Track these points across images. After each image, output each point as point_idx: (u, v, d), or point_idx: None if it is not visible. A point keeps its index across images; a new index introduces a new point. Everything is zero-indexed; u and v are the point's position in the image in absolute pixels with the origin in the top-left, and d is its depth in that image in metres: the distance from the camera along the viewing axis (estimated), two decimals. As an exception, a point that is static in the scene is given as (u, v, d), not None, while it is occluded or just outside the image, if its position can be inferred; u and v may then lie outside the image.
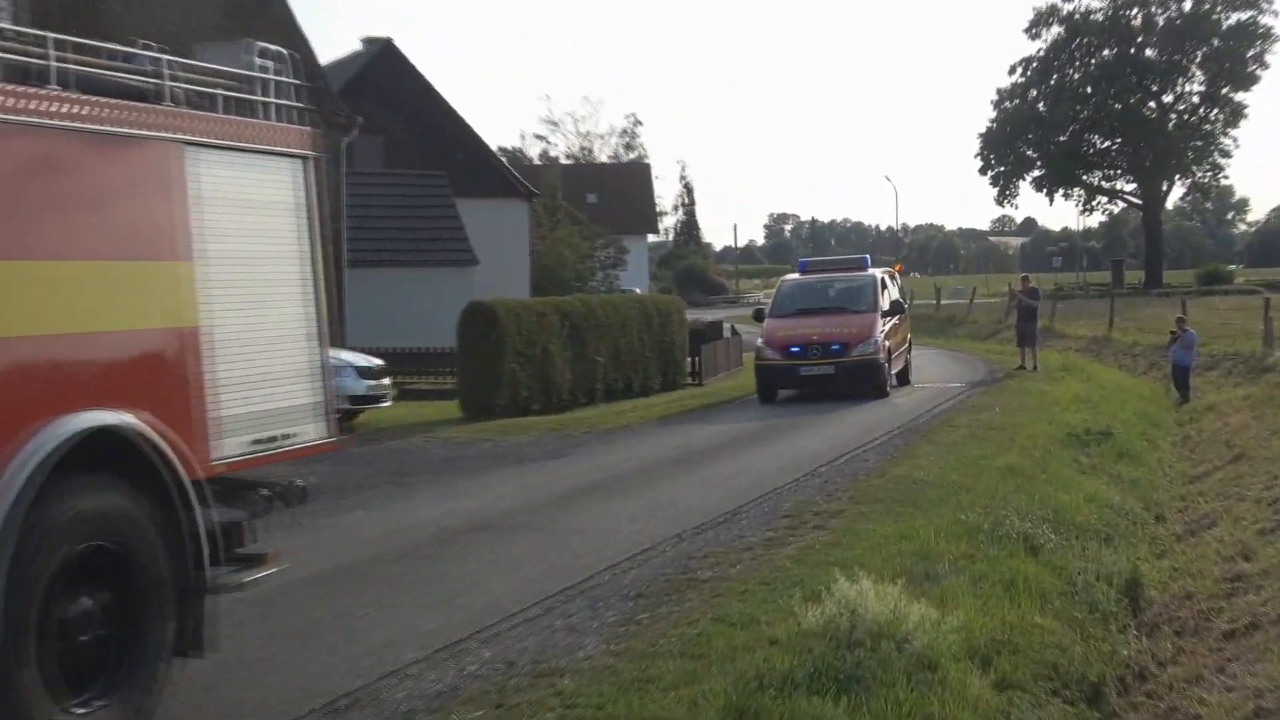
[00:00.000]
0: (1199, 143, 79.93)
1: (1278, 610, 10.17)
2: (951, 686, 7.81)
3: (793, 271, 31.49)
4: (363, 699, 7.58)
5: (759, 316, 28.39)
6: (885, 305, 26.21)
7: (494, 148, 54.08)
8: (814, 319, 25.49)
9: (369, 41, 49.87)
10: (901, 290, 30.47)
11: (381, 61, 48.47)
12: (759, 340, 26.17)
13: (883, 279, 27.54)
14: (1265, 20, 76.49)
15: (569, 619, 9.21)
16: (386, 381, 22.96)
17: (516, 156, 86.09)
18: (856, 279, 27.32)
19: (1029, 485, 14.73)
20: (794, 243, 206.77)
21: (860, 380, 24.52)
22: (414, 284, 36.50)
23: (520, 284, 43.81)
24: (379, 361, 22.95)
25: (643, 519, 13.00)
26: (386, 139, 44.76)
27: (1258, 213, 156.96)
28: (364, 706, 7.47)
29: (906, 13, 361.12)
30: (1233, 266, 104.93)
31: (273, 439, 8.02)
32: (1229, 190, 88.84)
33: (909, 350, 29.37)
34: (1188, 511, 15.73)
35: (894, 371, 26.26)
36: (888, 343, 25.27)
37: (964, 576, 10.28)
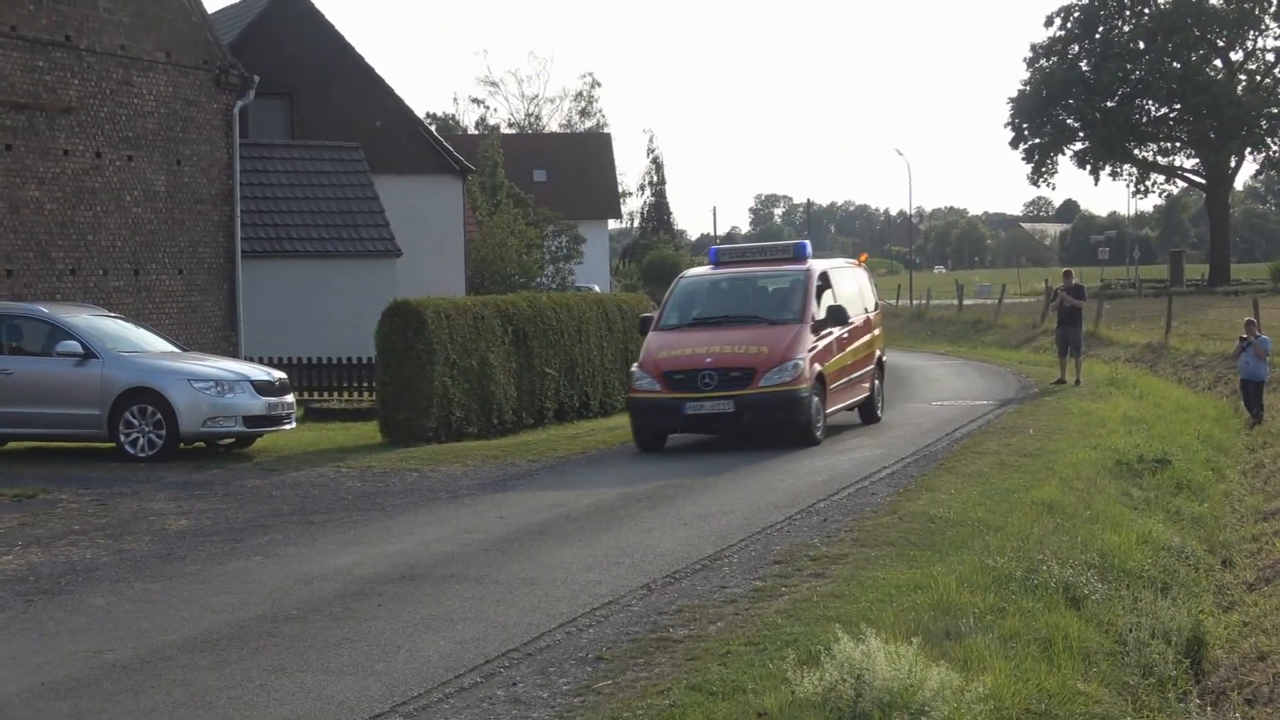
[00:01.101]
0: (1275, 109, 79.74)
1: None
2: (977, 768, 7.85)
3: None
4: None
5: (644, 328, 23.71)
6: (820, 313, 22.00)
7: (421, 114, 54.15)
8: (714, 333, 21.70)
9: (268, -19, 49.77)
10: (871, 289, 27.22)
11: (282, 8, 48.44)
12: (634, 365, 22.48)
13: (821, 277, 23.16)
14: None
15: (513, 688, 9.20)
16: (290, 399, 22.84)
17: (448, 125, 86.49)
18: (782, 275, 23.18)
19: (1070, 524, 14.78)
20: (785, 229, 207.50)
21: (771, 422, 20.80)
22: (323, 279, 36.57)
23: (454, 279, 43.92)
24: (280, 375, 22.93)
25: (602, 567, 13.01)
26: (289, 102, 44.86)
27: None
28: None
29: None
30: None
31: None
32: None
33: (878, 372, 25.71)
34: (1261, 555, 15.82)
35: (839, 406, 22.99)
36: (819, 367, 21.37)
37: (992, 634, 10.32)
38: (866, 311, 25.21)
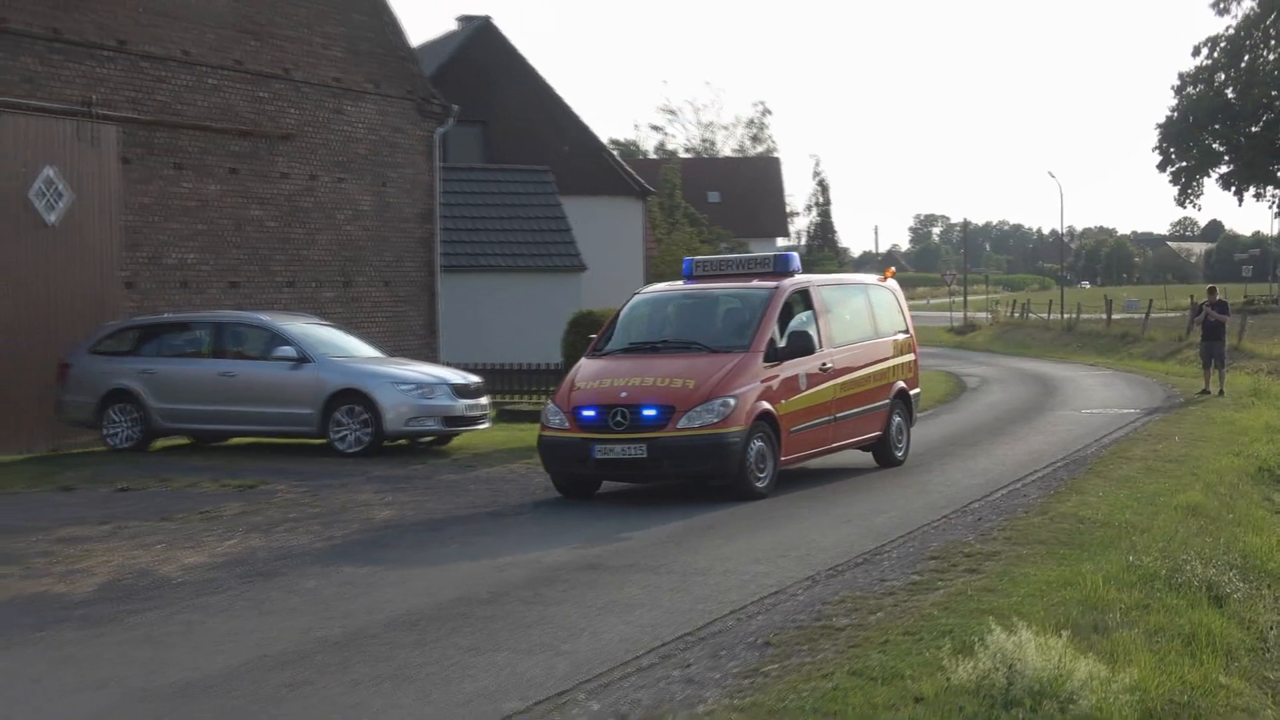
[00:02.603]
0: None
1: None
2: (1124, 754, 7.75)
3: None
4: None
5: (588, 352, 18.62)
6: (781, 340, 17.06)
7: (605, 140, 54.46)
8: (646, 361, 16.93)
9: (465, 20, 50.51)
10: (900, 310, 21.20)
11: (479, 43, 49.06)
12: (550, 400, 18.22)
13: (795, 296, 18.03)
14: None
15: (687, 669, 9.22)
16: (484, 401, 23.01)
17: (630, 150, 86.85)
18: (743, 294, 18.00)
19: (1214, 526, 14.53)
20: (943, 248, 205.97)
21: (693, 472, 16.27)
22: (514, 291, 36.98)
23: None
24: (476, 379, 23.08)
25: (769, 559, 12.98)
26: (485, 129, 45.34)
27: None
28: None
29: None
30: None
31: None
32: None
33: (902, 408, 20.15)
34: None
35: (816, 450, 18.18)
36: (766, 405, 16.42)
37: (1138, 629, 10.18)
38: (883, 337, 19.97)
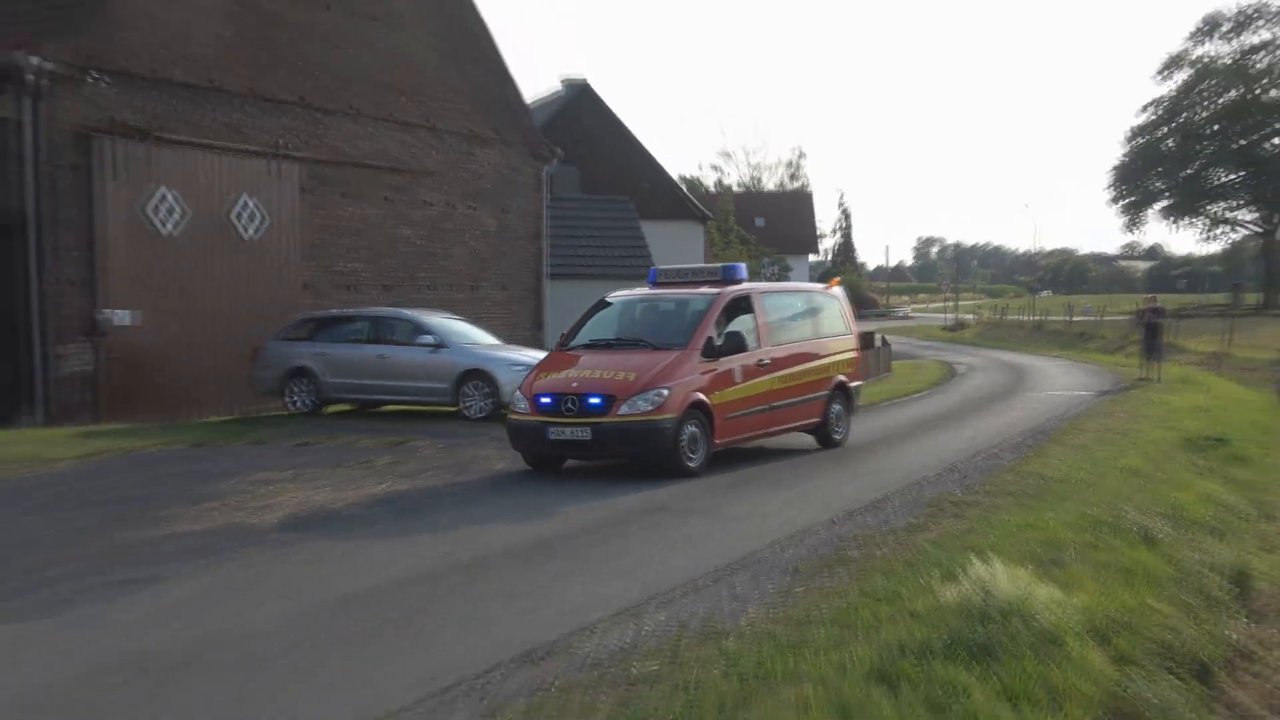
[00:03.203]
0: None
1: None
2: (1073, 659, 7.74)
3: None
4: (557, 650, 7.78)
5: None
6: (719, 340, 15.71)
7: (675, 176, 54.44)
8: (600, 357, 15.76)
9: (568, 83, 50.65)
10: (842, 315, 19.12)
11: (578, 101, 49.29)
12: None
13: (736, 302, 16.47)
14: None
15: (734, 589, 9.30)
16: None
17: (694, 184, 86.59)
18: (689, 299, 16.50)
19: (1149, 484, 14.45)
20: (939, 263, 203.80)
21: (629, 451, 14.92)
22: (603, 294, 36.99)
23: (695, 296, 43.98)
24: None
25: (797, 506, 13.01)
26: (582, 168, 45.47)
27: None
28: (558, 656, 7.66)
29: (1047, 57, 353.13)
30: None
31: None
32: None
33: (841, 397, 18.33)
34: (1297, 512, 15.22)
35: (753, 433, 16.60)
36: (702, 396, 15.13)
37: (1087, 563, 10.16)
38: (824, 337, 18.18)
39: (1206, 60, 78.92)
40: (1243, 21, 77.49)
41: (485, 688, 7.10)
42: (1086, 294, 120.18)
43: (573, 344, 16.45)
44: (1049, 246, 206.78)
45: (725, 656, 7.52)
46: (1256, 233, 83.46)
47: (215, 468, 15.37)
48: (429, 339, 20.97)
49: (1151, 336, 32.96)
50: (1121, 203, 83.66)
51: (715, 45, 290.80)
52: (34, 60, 19.41)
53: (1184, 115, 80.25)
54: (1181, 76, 79.99)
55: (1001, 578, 8.42)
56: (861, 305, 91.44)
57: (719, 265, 17.72)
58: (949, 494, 13.55)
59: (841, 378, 18.17)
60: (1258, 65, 77.57)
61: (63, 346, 20.13)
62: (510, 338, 26.18)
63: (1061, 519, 11.70)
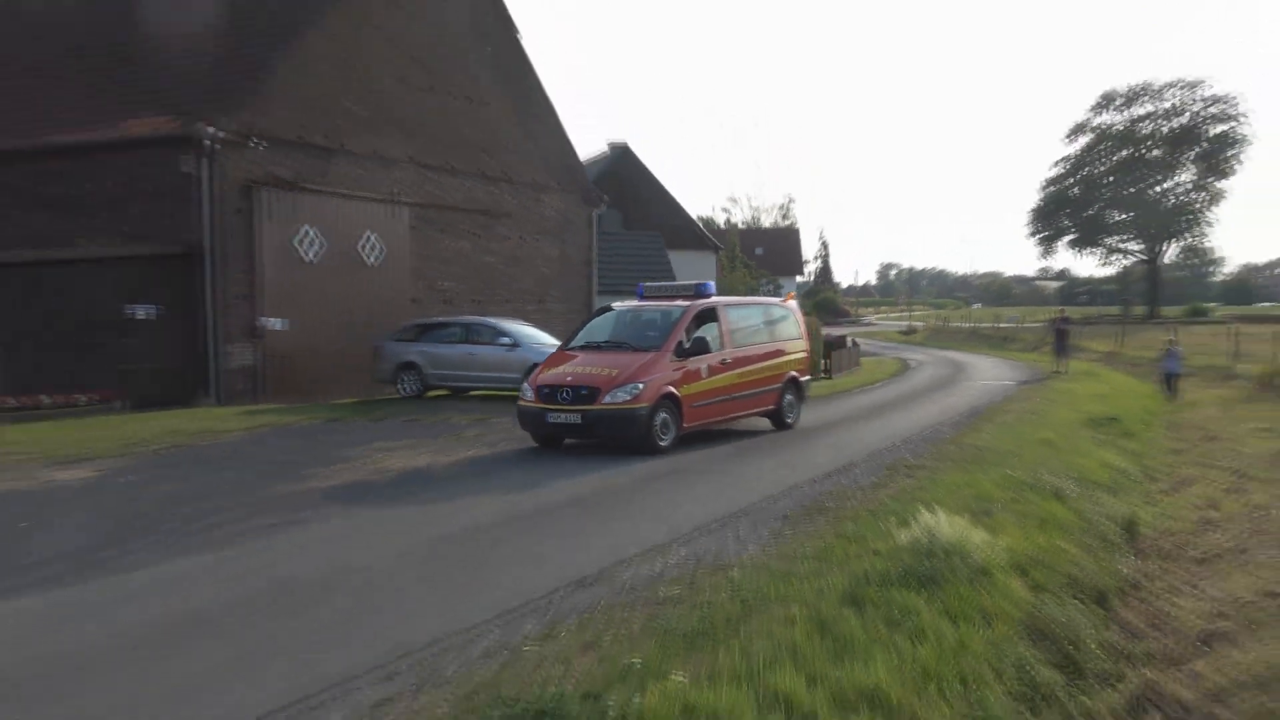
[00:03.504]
0: (1189, 217, 77.87)
1: (1233, 545, 9.75)
2: (999, 587, 7.68)
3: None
4: (601, 578, 7.77)
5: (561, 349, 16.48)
6: (688, 343, 14.90)
7: (694, 216, 54.23)
8: (592, 356, 15.04)
9: (613, 145, 50.74)
10: (795, 322, 17.87)
11: (620, 159, 49.37)
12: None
13: (703, 312, 15.59)
14: (1241, 130, 74.36)
15: (738, 532, 9.26)
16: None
17: (708, 222, 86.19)
18: (666, 310, 15.64)
19: (1058, 453, 14.33)
20: (896, 283, 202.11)
21: (611, 433, 14.03)
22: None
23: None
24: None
25: (787, 469, 12.95)
26: (623, 210, 45.48)
27: (1231, 266, 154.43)
28: (602, 583, 7.65)
29: (981, 125, 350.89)
30: (1211, 305, 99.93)
31: None
32: (1210, 250, 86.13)
33: (793, 389, 17.27)
34: (1172, 475, 15.07)
35: (714, 419, 15.52)
36: (672, 389, 14.37)
37: (1010, 513, 10.08)
38: (779, 341, 17.12)
39: (1103, 127, 79.30)
40: (1131, 97, 78.64)
41: (547, 607, 7.10)
42: (1011, 306, 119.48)
43: (572, 345, 15.76)
44: (981, 270, 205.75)
45: (731, 583, 7.50)
46: (1141, 260, 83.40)
47: (344, 438, 15.45)
48: (506, 340, 20.97)
49: (1061, 339, 32.75)
50: (1037, 236, 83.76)
51: (729, 111, 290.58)
52: (210, 130, 19.55)
53: (1086, 169, 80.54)
54: (1084, 140, 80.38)
55: (944, 524, 8.35)
56: (836, 315, 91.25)
57: (693, 283, 16.77)
58: (903, 460, 13.45)
59: (794, 373, 17.26)
60: (1143, 131, 77.98)
61: (231, 346, 20.26)
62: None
63: (991, 479, 11.61)
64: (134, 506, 10.29)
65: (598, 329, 16.06)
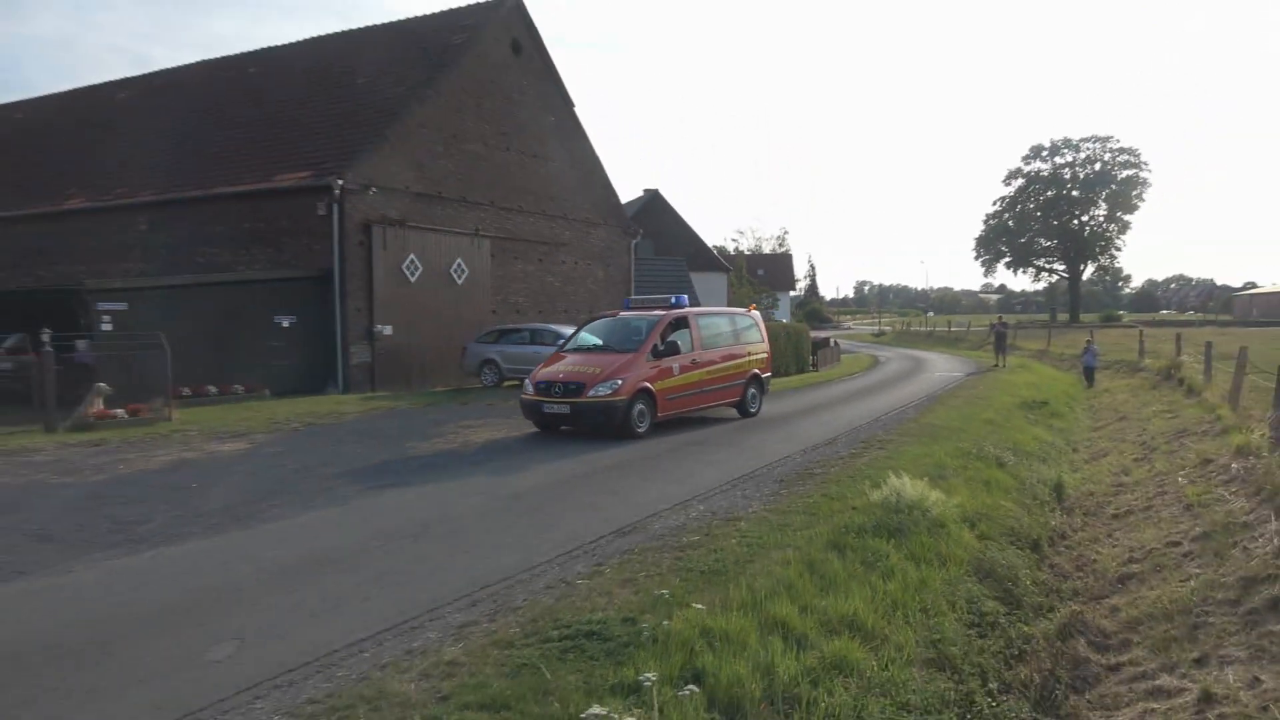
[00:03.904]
0: (1102, 243, 77.19)
1: (1141, 504, 9.46)
2: (952, 536, 7.50)
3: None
4: (638, 528, 7.68)
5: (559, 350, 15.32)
6: (661, 346, 13.95)
7: (710, 244, 53.98)
8: (582, 356, 14.04)
9: (647, 190, 50.66)
10: (757, 329, 16.69)
11: (653, 201, 49.16)
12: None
13: (675, 320, 14.61)
14: (1142, 174, 75.58)
15: (744, 492, 9.13)
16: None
17: (722, 249, 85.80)
18: (644, 318, 14.61)
19: (999, 430, 14.04)
20: (869, 295, 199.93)
21: (595, 422, 13.01)
22: (667, 316, 36.75)
23: (722, 317, 43.68)
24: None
25: (784, 442, 12.79)
26: (655, 241, 45.29)
27: (1136, 281, 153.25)
28: (638, 531, 7.55)
29: (936, 171, 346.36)
30: (1121, 312, 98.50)
31: None
32: (1119, 269, 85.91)
33: (756, 385, 16.00)
34: (1091, 447, 14.73)
35: (686, 409, 14.44)
36: (647, 384, 13.46)
37: (961, 478, 9.87)
38: (742, 344, 15.94)
39: (1033, 173, 78.59)
40: (1054, 149, 78.36)
41: (594, 549, 7.01)
42: (960, 314, 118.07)
43: (567, 348, 14.66)
44: (936, 285, 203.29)
45: (739, 533, 7.38)
46: (1064, 277, 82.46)
47: (438, 417, 15.46)
48: (563, 342, 20.87)
49: (1000, 340, 32.12)
50: (981, 259, 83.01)
51: (738, 158, 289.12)
52: (339, 181, 19.65)
53: (1019, 206, 79.90)
54: (1018, 182, 79.65)
55: (908, 486, 8.18)
56: (822, 321, 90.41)
57: (669, 296, 15.60)
58: (876, 435, 13.25)
59: (756, 371, 16.06)
60: (1065, 175, 77.22)
61: (353, 347, 20.36)
62: (612, 341, 26.04)
63: (945, 450, 11.39)
64: (276, 473, 10.34)
65: (586, 335, 14.99)
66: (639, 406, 13.33)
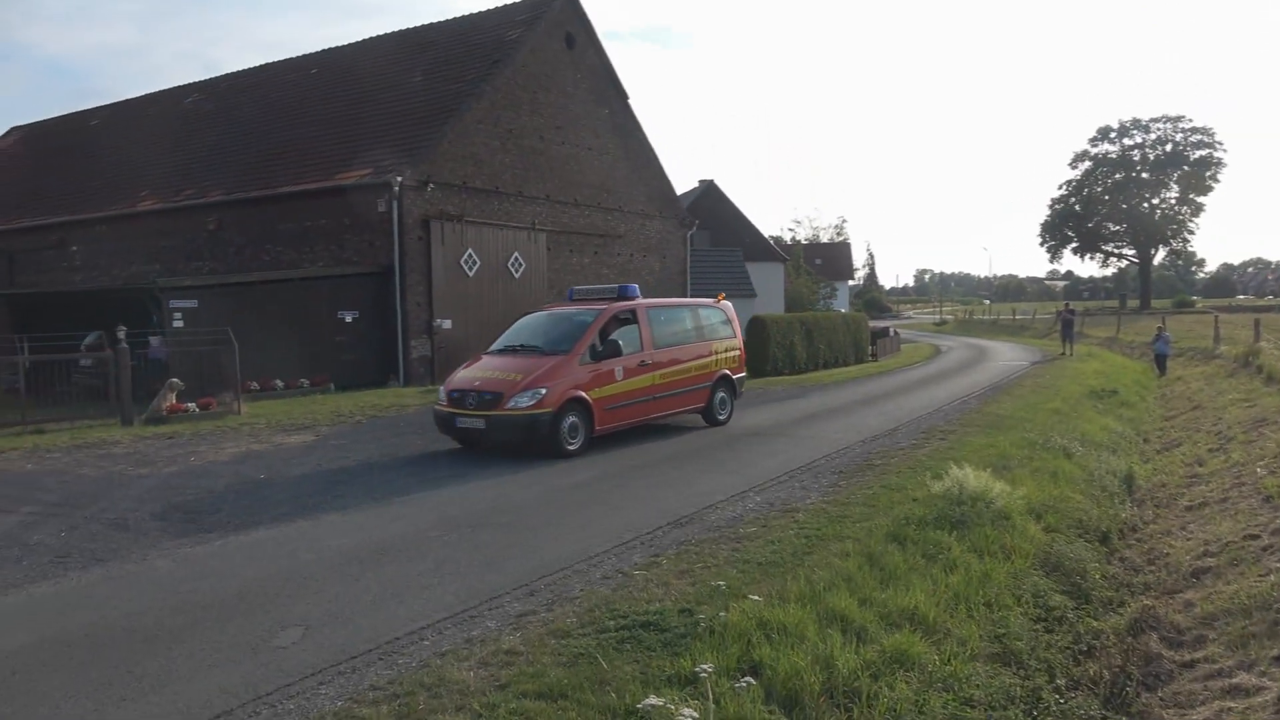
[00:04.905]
0: (1174, 227, 74.42)
1: (1217, 495, 9.09)
2: (1017, 529, 7.30)
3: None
4: (694, 518, 7.64)
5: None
6: (600, 346, 11.48)
7: (766, 234, 53.45)
8: (503, 359, 11.61)
9: (703, 181, 50.31)
10: (726, 322, 14.09)
11: (708, 191, 48.82)
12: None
13: (620, 315, 12.15)
14: (1217, 154, 71.33)
15: (803, 483, 9.03)
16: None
17: (778, 239, 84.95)
18: (582, 313, 12.12)
19: (1066, 420, 13.64)
20: (930, 284, 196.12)
21: (514, 438, 10.65)
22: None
23: (778, 308, 43.24)
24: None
25: (842, 432, 12.61)
26: (711, 231, 45.01)
27: (1211, 265, 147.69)
28: (694, 522, 7.52)
29: (1001, 156, 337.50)
30: (1195, 298, 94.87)
31: None
32: (1192, 253, 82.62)
33: (725, 387, 13.64)
34: (1163, 437, 14.20)
35: (634, 419, 11.97)
36: (580, 393, 11.01)
37: (1026, 469, 9.60)
38: (708, 340, 13.41)
39: (1101, 155, 76.19)
40: (1123, 130, 75.92)
41: (651, 540, 7.00)
42: (1024, 302, 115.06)
43: (491, 348, 12.33)
44: (1000, 273, 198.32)
45: (797, 524, 7.29)
46: (1134, 262, 79.66)
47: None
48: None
49: (1067, 328, 31.21)
50: (1046, 244, 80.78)
51: (795, 152, 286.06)
52: (398, 179, 19.98)
53: (1086, 190, 77.35)
54: (1085, 165, 77.26)
55: (970, 477, 7.99)
56: (881, 310, 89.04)
57: (616, 285, 13.15)
58: (937, 425, 12.99)
59: (726, 371, 13.61)
60: (1135, 157, 74.76)
61: (414, 340, 20.70)
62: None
63: (1009, 441, 11.09)
64: (340, 464, 10.55)
65: (515, 333, 12.57)
66: (570, 420, 10.89)
